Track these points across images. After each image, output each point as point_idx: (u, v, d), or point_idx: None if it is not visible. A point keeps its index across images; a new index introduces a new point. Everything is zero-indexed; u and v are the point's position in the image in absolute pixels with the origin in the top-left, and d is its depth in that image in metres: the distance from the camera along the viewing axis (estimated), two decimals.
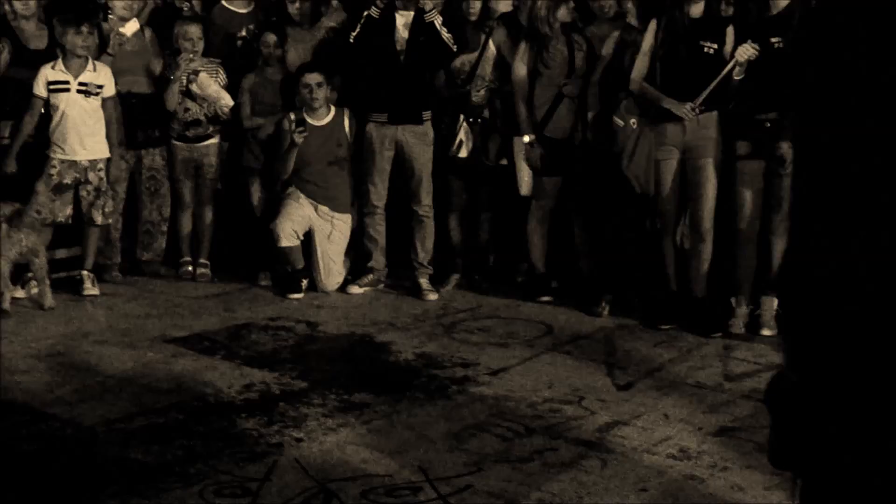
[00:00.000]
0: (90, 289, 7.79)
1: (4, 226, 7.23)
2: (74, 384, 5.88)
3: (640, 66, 7.11)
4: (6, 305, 7.25)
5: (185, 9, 8.74)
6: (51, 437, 5.13)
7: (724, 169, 7.00)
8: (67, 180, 7.66)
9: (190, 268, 8.40)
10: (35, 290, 7.56)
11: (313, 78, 7.89)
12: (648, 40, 7.09)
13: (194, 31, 8.19)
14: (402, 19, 7.83)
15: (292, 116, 7.95)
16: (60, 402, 5.58)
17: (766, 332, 6.92)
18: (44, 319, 7.18)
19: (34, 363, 6.25)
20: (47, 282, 7.46)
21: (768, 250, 6.98)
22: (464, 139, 7.94)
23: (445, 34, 7.76)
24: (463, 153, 7.94)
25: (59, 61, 7.68)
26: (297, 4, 8.44)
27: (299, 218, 7.96)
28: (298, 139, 7.80)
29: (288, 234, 7.88)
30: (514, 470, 4.80)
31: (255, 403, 5.62)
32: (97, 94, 7.70)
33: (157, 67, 8.24)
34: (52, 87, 7.64)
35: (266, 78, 8.30)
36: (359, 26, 7.82)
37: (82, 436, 5.16)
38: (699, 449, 5.06)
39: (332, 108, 8.03)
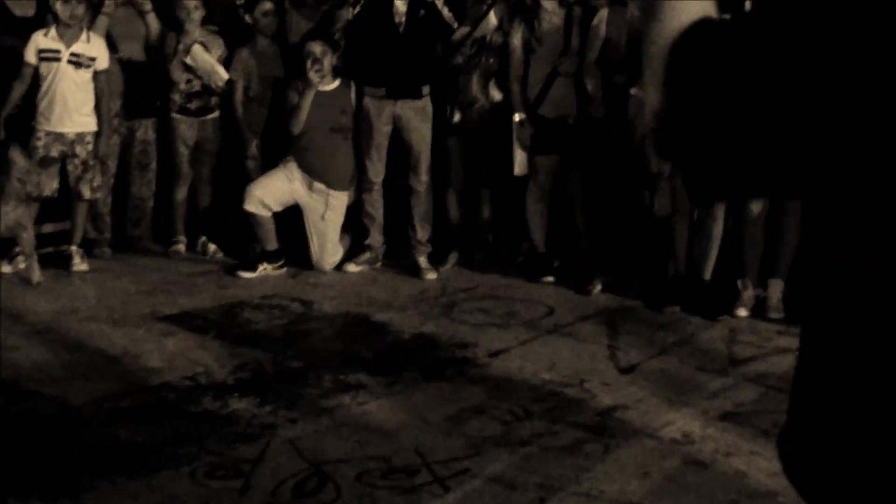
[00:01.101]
0: (79, 264, 7.79)
1: None
2: (62, 362, 5.88)
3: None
4: None
5: None
6: (37, 416, 5.12)
7: None
8: (54, 153, 7.64)
9: (181, 246, 8.41)
10: (22, 266, 7.56)
11: (317, 47, 7.86)
12: None
13: (191, 1, 8.17)
14: None
15: (299, 84, 7.94)
16: (48, 380, 5.58)
17: (773, 315, 6.92)
18: (31, 295, 7.19)
19: (21, 340, 6.25)
20: (35, 257, 7.46)
21: (777, 232, 6.99)
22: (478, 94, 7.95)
23: (446, 13, 7.76)
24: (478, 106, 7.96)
25: (53, 29, 7.63)
26: None
27: (277, 191, 7.95)
28: (315, 77, 7.77)
29: (255, 201, 7.89)
30: (514, 454, 4.80)
31: (248, 383, 5.62)
32: (89, 66, 7.67)
33: (154, 35, 8.22)
34: (42, 55, 7.60)
35: (259, 52, 8.27)
36: (358, 5, 7.82)
37: (70, 415, 5.16)
38: (703, 434, 5.06)
39: (338, 79, 8.00)
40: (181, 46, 8.09)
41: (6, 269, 7.61)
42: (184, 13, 8.12)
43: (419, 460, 4.71)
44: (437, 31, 7.85)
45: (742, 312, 6.98)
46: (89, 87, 7.73)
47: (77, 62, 7.63)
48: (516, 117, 7.66)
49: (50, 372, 5.72)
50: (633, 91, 7.15)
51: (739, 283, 7.11)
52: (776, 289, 7.00)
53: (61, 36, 7.62)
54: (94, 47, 7.71)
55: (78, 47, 7.64)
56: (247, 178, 8.18)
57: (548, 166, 7.65)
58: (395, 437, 4.96)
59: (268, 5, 8.26)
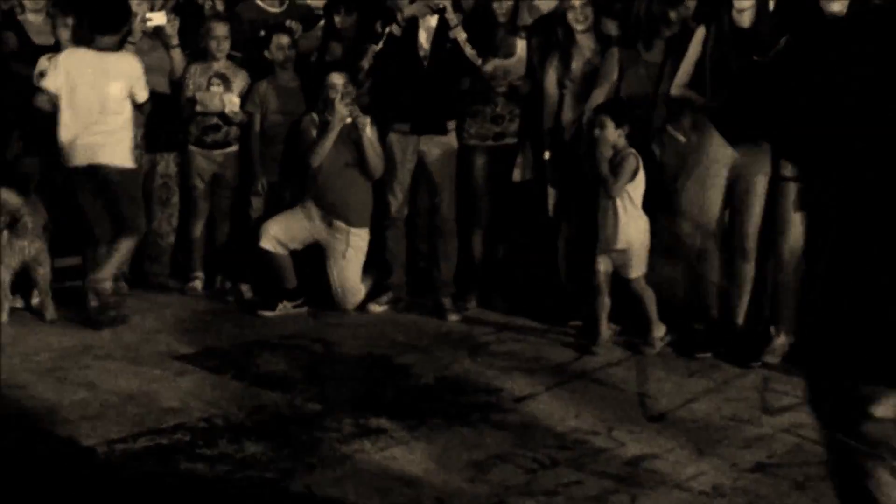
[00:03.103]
0: (92, 301, 7.82)
1: (6, 233, 7.27)
2: (75, 401, 5.91)
3: (684, 72, 7.12)
4: (5, 317, 7.30)
5: (208, 6, 8.81)
6: (49, 457, 5.15)
7: (770, 189, 7.00)
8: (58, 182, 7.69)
9: (198, 283, 8.43)
10: (36, 301, 7.60)
11: (339, 79, 7.90)
12: (695, 47, 7.10)
13: (221, 30, 8.23)
14: (425, 26, 7.86)
15: (315, 117, 7.98)
16: (60, 419, 5.61)
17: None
18: (45, 332, 7.23)
19: (33, 378, 6.29)
20: (49, 293, 7.50)
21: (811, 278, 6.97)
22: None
23: (469, 51, 7.79)
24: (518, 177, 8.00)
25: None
26: (341, 17, 8.48)
27: (294, 229, 7.99)
28: (344, 110, 7.80)
29: (269, 238, 7.92)
30: None
31: (266, 426, 5.64)
32: None
33: (179, 68, 8.28)
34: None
35: (280, 85, 8.32)
36: (381, 42, 7.88)
37: (82, 456, 5.18)
38: (734, 486, 5.05)
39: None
40: (200, 79, 8.18)
41: (18, 303, 7.65)
42: (213, 43, 8.17)
43: None
44: (461, 67, 7.87)
45: (773, 359, 6.96)
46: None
47: None
48: (546, 155, 7.70)
49: (62, 411, 5.75)
50: (671, 130, 7.20)
51: (772, 329, 7.09)
52: None
53: None
54: None
55: None
56: (251, 216, 8.27)
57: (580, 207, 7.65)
58: (417, 484, 4.96)
59: (284, 39, 8.29)
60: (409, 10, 7.90)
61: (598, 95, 7.45)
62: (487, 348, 7.20)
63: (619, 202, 7.08)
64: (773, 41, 6.90)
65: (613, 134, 7.08)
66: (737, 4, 6.90)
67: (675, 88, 7.16)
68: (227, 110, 8.16)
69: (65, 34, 7.80)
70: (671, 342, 7.23)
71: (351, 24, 8.51)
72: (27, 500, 4.69)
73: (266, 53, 8.34)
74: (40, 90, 7.48)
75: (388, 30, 7.88)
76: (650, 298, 7.20)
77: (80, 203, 7.62)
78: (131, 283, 8.31)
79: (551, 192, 7.78)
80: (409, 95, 7.86)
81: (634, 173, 7.09)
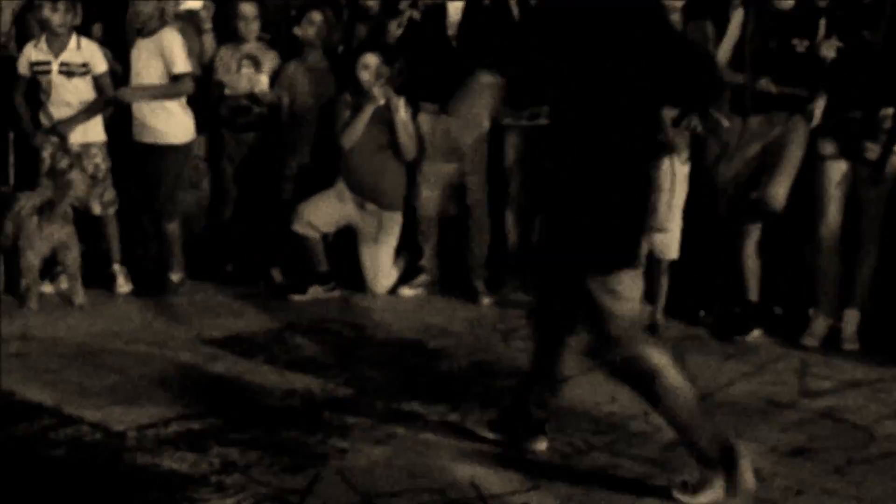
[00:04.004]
0: (122, 285, 7.86)
1: (35, 218, 7.30)
2: (105, 386, 5.94)
3: (725, 53, 7.09)
4: (34, 303, 7.34)
5: None
6: (79, 442, 5.17)
7: (808, 170, 6.98)
8: (62, 165, 7.71)
9: (229, 267, 8.45)
10: (65, 286, 7.64)
11: (373, 59, 7.89)
12: (734, 29, 7.07)
13: (249, 10, 8.23)
14: (454, 4, 7.85)
15: (348, 98, 7.98)
16: (90, 405, 5.63)
17: (847, 346, 6.89)
18: (74, 317, 7.27)
19: (63, 363, 6.32)
20: (78, 277, 7.54)
21: (853, 261, 6.95)
22: None
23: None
24: None
25: (42, 40, 7.74)
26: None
27: (327, 212, 8.01)
28: (378, 92, 7.82)
29: (303, 222, 7.94)
30: (574, 488, 4.80)
31: (298, 411, 5.66)
32: (83, 73, 7.71)
33: (210, 53, 8.29)
34: (34, 68, 7.71)
35: (308, 66, 8.32)
36: (399, 25, 7.88)
37: (112, 441, 5.21)
38: (772, 471, 5.04)
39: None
40: (229, 62, 8.19)
41: (48, 288, 7.69)
42: (242, 24, 8.18)
43: (475, 493, 4.72)
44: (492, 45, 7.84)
45: (811, 343, 6.94)
46: (87, 95, 7.78)
47: (68, 71, 7.70)
48: None
49: (91, 397, 5.78)
50: (714, 114, 7.19)
51: (811, 311, 7.08)
52: (851, 320, 6.97)
53: (50, 46, 7.70)
54: (84, 53, 7.76)
55: (67, 56, 7.70)
56: (282, 200, 8.29)
57: None
58: (451, 469, 4.97)
59: (316, 16, 8.29)
60: None
61: None
62: (521, 332, 7.17)
63: (671, 180, 7.04)
64: (813, 23, 6.90)
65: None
66: None
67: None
68: (255, 90, 8.17)
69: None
70: (708, 324, 7.23)
71: (376, 3, 8.50)
72: (58, 486, 4.72)
73: (296, 30, 8.34)
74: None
75: (407, 14, 7.88)
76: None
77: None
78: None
79: None
80: (438, 75, 7.85)
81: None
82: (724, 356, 6.77)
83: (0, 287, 7.61)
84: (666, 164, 7.00)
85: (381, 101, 7.85)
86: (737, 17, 7.10)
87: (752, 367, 6.57)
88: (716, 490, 4.61)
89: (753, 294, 7.20)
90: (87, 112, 7.72)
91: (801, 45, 6.90)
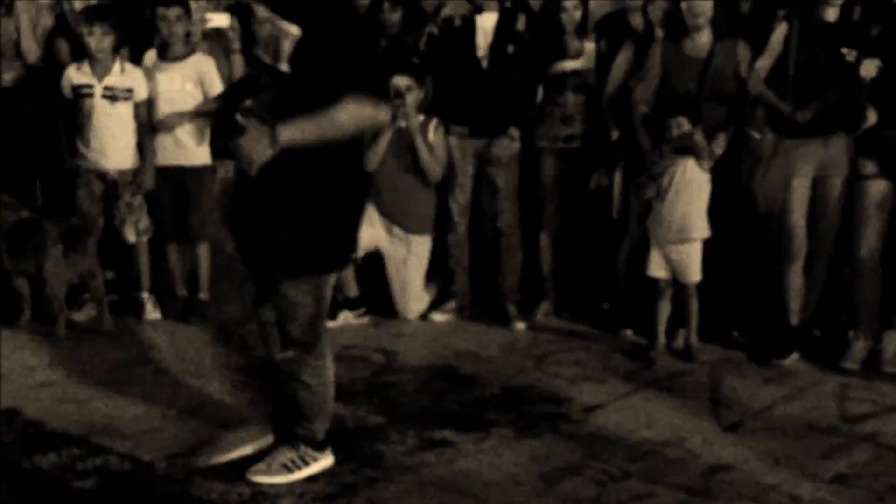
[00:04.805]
0: (151, 312, 7.88)
1: (60, 245, 7.34)
2: (134, 415, 5.96)
3: (763, 68, 7.08)
4: (62, 330, 7.37)
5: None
6: (107, 472, 5.19)
7: (848, 190, 6.96)
8: (96, 191, 7.74)
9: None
10: (93, 313, 7.67)
11: (402, 81, 7.90)
12: (776, 44, 7.05)
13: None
14: (482, 25, 7.85)
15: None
16: (118, 434, 5.65)
17: (888, 369, 6.86)
18: (102, 345, 7.28)
19: (91, 391, 6.34)
20: (105, 304, 7.57)
21: (893, 281, 6.92)
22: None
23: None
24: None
25: (85, 62, 7.72)
26: (387, 14, 8.48)
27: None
28: (401, 119, 7.82)
29: None
30: None
31: (328, 439, 5.65)
32: (125, 98, 7.70)
33: (238, 75, 8.30)
34: (77, 91, 7.71)
35: None
36: (422, 43, 7.91)
37: (142, 471, 5.22)
38: (812, 497, 5.02)
39: (421, 115, 7.96)
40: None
41: (76, 316, 7.71)
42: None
43: None
44: (525, 69, 7.85)
45: (850, 365, 6.91)
46: (129, 121, 7.76)
47: (112, 96, 7.67)
48: (615, 134, 7.68)
49: (120, 426, 5.79)
50: (748, 129, 7.19)
51: (851, 334, 7.05)
52: (892, 342, 6.93)
53: (93, 69, 7.69)
54: (128, 78, 7.72)
55: (111, 80, 7.67)
56: None
57: (640, 211, 7.59)
58: (484, 498, 4.97)
59: None
60: (445, 11, 7.94)
61: (642, 90, 7.41)
62: (555, 357, 7.19)
63: (687, 187, 7.04)
64: (863, 34, 6.88)
65: (688, 130, 7.03)
66: None
67: (755, 84, 7.11)
68: None
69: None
70: (744, 347, 7.21)
71: (397, 20, 8.51)
72: None
73: None
74: None
75: (428, 31, 7.91)
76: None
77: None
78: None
79: (617, 192, 7.78)
80: (468, 97, 7.86)
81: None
82: (762, 380, 6.74)
83: (27, 315, 7.63)
84: (680, 168, 7.00)
85: (403, 124, 7.85)
86: (780, 31, 7.06)
87: (791, 391, 6.54)
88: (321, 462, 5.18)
89: (795, 316, 7.16)
90: (147, 136, 7.82)
91: (850, 55, 6.86)
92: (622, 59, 7.71)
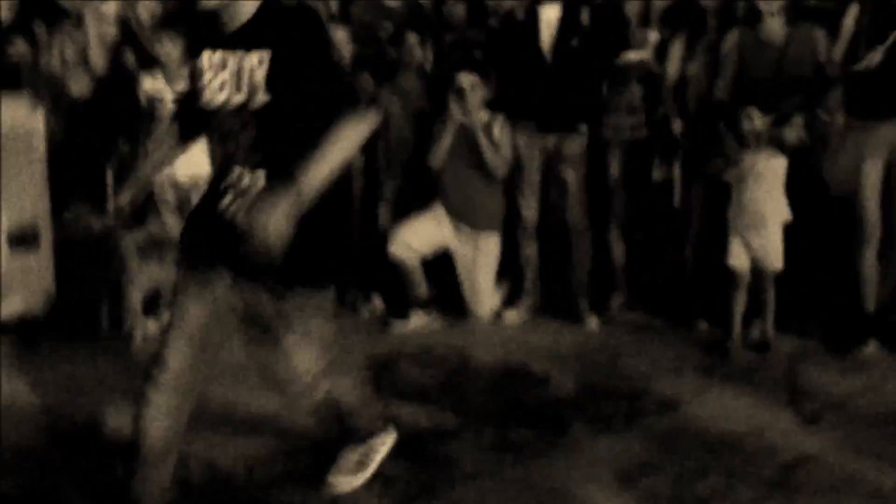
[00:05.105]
0: None
1: (136, 256, 7.41)
2: (211, 424, 5.97)
3: (841, 51, 7.03)
4: (138, 341, 7.44)
5: (322, 9, 8.89)
6: (187, 482, 5.23)
7: None
8: (171, 200, 7.80)
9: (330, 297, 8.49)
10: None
11: (466, 78, 7.91)
12: (849, 26, 7.00)
13: (341, 35, 8.28)
14: (546, 19, 7.84)
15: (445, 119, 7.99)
16: (197, 443, 5.67)
17: None
18: None
19: None
20: None
21: None
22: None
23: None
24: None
25: (158, 71, 7.83)
26: (450, 7, 8.51)
27: (425, 234, 8.02)
28: (457, 111, 7.85)
29: (400, 244, 7.97)
30: None
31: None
32: None
33: None
34: (150, 99, 7.78)
35: (402, 88, 8.36)
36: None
37: (221, 480, 5.26)
38: (895, 487, 4.99)
39: (487, 112, 7.99)
40: None
41: (152, 326, 7.77)
42: (334, 49, 8.21)
43: None
44: (589, 62, 7.83)
45: None
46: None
47: None
48: (675, 126, 7.66)
49: (199, 435, 5.81)
50: (819, 112, 7.13)
51: None
52: None
53: (165, 77, 7.80)
54: None
55: (181, 87, 7.74)
56: (379, 224, 8.35)
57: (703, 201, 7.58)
58: (563, 497, 4.97)
59: (411, 38, 8.34)
60: (507, 3, 7.96)
61: (721, 82, 7.37)
62: (629, 352, 7.17)
63: (759, 176, 7.01)
64: None
65: (761, 124, 7.00)
66: None
67: (833, 67, 7.06)
68: None
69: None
70: (821, 338, 7.16)
71: (461, 15, 8.53)
72: None
73: (393, 52, 8.39)
74: None
75: (490, 23, 7.94)
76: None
77: None
78: None
79: (678, 183, 7.76)
80: (533, 93, 7.85)
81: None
82: (840, 370, 6.69)
83: (105, 324, 7.71)
84: (749, 159, 6.97)
85: (464, 120, 7.86)
86: (851, 13, 7.01)
87: (870, 380, 6.50)
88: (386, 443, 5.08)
89: (870, 303, 7.10)
90: None
91: None
92: (677, 49, 7.69)
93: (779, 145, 6.97)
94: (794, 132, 7.09)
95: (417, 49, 8.33)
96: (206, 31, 4.20)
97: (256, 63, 4.05)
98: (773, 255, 7.05)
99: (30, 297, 7.65)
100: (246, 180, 4.17)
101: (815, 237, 7.27)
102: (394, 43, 8.51)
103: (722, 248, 7.18)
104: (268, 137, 4.13)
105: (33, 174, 7.50)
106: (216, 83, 4.14)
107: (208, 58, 4.18)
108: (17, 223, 7.51)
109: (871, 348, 6.98)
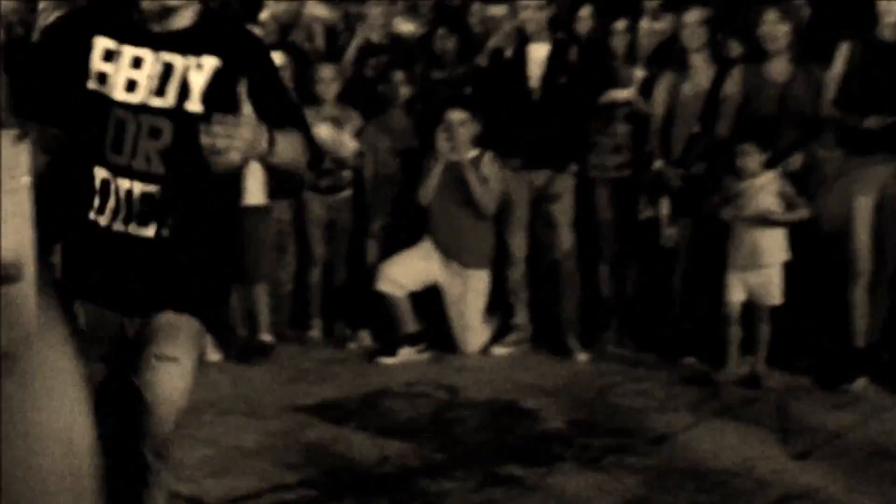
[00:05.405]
0: (211, 354, 7.90)
1: None
2: (196, 458, 5.95)
3: (831, 90, 7.05)
4: None
5: (308, 48, 8.91)
6: None
7: None
8: None
9: (317, 331, 8.48)
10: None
11: (456, 115, 7.91)
12: (839, 65, 7.03)
13: (327, 73, 8.30)
14: (534, 57, 7.85)
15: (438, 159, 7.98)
16: (183, 477, 5.63)
17: None
18: None
19: None
20: None
21: None
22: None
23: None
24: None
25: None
26: (442, 42, 8.52)
27: (412, 270, 8.02)
28: (444, 147, 7.86)
29: (387, 280, 7.96)
30: None
31: (393, 478, 5.64)
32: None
33: None
34: None
35: (389, 124, 8.37)
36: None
37: None
38: None
39: (476, 149, 8.01)
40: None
41: None
42: (321, 87, 8.23)
43: None
44: (576, 100, 7.84)
45: None
46: None
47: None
48: (658, 164, 7.66)
49: (184, 469, 5.78)
50: (816, 148, 7.17)
51: None
52: None
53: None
54: None
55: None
56: (367, 260, 8.36)
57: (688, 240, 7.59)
58: None
59: (399, 75, 8.35)
60: (494, 42, 7.98)
61: (724, 119, 7.39)
62: (618, 388, 7.16)
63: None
64: None
65: (756, 162, 7.03)
66: (884, 18, 6.84)
67: (826, 108, 7.08)
68: (342, 153, 8.20)
69: None
70: (812, 374, 7.15)
71: (452, 49, 8.55)
72: None
73: (381, 88, 8.41)
74: None
75: (477, 60, 7.96)
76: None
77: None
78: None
79: (665, 221, 7.75)
80: (520, 129, 7.86)
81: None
82: (830, 406, 6.68)
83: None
84: (756, 191, 7.00)
85: (452, 157, 7.87)
86: (842, 52, 7.04)
87: (861, 417, 6.48)
88: None
89: (861, 338, 7.10)
90: None
91: None
92: (662, 88, 7.70)
93: (782, 174, 7.02)
94: (797, 159, 7.13)
95: (404, 85, 8.34)
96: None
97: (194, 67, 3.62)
98: (773, 291, 7.06)
99: (10, 332, 7.58)
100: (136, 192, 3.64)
101: (805, 273, 7.26)
102: (380, 80, 8.52)
103: (711, 284, 7.18)
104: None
105: (18, 204, 7.45)
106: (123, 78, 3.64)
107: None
108: None
109: (862, 383, 6.97)
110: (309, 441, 6.23)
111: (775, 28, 7.21)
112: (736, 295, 7.14)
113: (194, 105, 3.58)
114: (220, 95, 3.52)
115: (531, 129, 7.81)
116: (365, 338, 8.29)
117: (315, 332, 8.52)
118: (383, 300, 7.98)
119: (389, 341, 8.01)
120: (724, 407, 6.71)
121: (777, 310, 7.16)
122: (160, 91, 3.60)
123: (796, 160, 7.17)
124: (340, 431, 6.38)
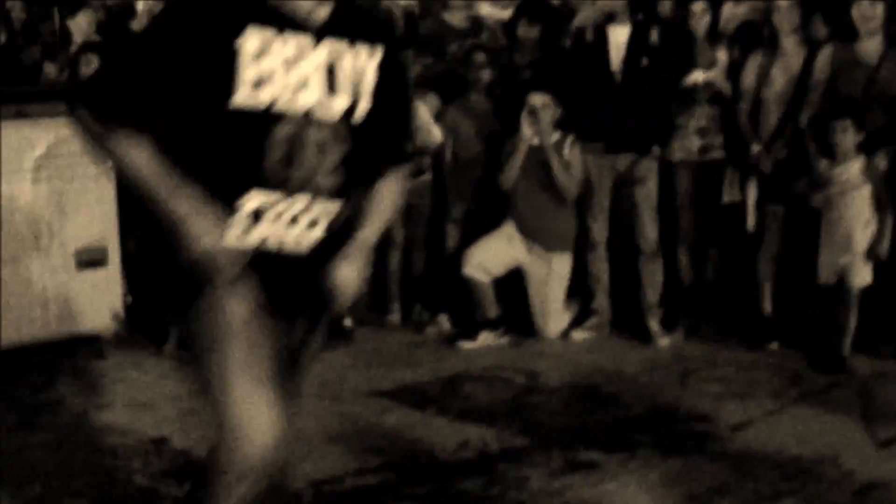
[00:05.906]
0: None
1: None
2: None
3: None
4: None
5: None
6: (256, 501, 5.23)
7: None
8: None
9: (396, 315, 8.49)
10: None
11: (538, 99, 7.89)
12: None
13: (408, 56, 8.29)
14: (615, 40, 7.81)
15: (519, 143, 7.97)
16: None
17: None
18: None
19: None
20: None
21: None
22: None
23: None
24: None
25: None
26: (524, 29, 8.49)
27: (497, 254, 8.01)
28: (527, 131, 7.85)
29: (474, 265, 7.95)
30: None
31: (472, 463, 5.65)
32: None
33: None
34: None
35: (470, 108, 8.36)
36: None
37: (288, 498, 5.25)
38: None
39: (558, 133, 7.98)
40: None
41: None
42: None
43: None
44: (658, 82, 7.79)
45: None
46: None
47: None
48: (755, 147, 7.59)
49: None
50: None
51: None
52: None
53: None
54: None
55: None
56: (447, 244, 8.36)
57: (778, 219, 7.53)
58: None
59: (480, 57, 8.34)
60: (577, 20, 7.94)
61: (812, 99, 7.32)
62: (699, 373, 7.11)
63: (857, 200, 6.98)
64: None
65: (851, 141, 6.97)
66: None
67: None
68: (429, 140, 8.16)
69: None
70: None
71: (535, 36, 8.52)
72: None
73: (461, 71, 8.40)
74: None
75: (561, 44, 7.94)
76: None
77: None
78: None
79: (751, 206, 7.69)
80: (602, 113, 7.82)
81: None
82: None
83: (172, 343, 7.73)
84: (839, 181, 6.95)
85: (535, 141, 7.85)
86: None
87: None
88: None
89: None
90: None
91: None
92: (750, 69, 7.64)
93: (867, 171, 6.96)
94: (883, 160, 7.06)
95: (485, 69, 8.33)
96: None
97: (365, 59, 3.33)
98: (862, 272, 7.00)
99: (98, 316, 7.68)
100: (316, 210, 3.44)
101: (892, 256, 7.18)
102: (461, 62, 8.51)
103: (800, 269, 7.13)
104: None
105: (102, 192, 7.54)
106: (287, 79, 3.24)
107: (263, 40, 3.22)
108: (86, 242, 7.54)
109: None
110: (388, 425, 6.25)
111: (870, 8, 7.14)
112: (829, 277, 7.08)
113: (366, 102, 3.35)
114: (383, 88, 3.35)
115: (613, 113, 7.76)
116: (444, 322, 8.30)
117: (394, 317, 8.53)
118: (465, 284, 7.98)
119: (468, 325, 8.01)
120: (807, 393, 6.65)
121: (863, 293, 7.08)
122: (333, 88, 3.29)
123: (882, 160, 7.10)
124: (421, 416, 6.41)
